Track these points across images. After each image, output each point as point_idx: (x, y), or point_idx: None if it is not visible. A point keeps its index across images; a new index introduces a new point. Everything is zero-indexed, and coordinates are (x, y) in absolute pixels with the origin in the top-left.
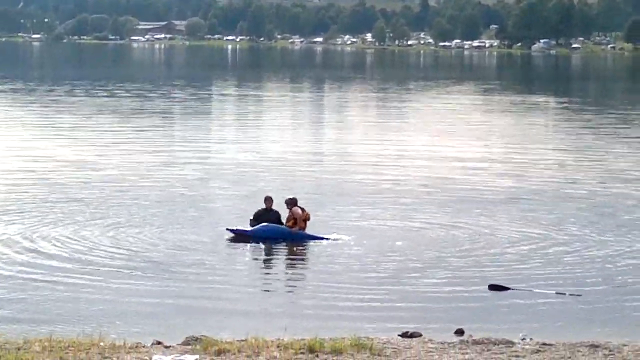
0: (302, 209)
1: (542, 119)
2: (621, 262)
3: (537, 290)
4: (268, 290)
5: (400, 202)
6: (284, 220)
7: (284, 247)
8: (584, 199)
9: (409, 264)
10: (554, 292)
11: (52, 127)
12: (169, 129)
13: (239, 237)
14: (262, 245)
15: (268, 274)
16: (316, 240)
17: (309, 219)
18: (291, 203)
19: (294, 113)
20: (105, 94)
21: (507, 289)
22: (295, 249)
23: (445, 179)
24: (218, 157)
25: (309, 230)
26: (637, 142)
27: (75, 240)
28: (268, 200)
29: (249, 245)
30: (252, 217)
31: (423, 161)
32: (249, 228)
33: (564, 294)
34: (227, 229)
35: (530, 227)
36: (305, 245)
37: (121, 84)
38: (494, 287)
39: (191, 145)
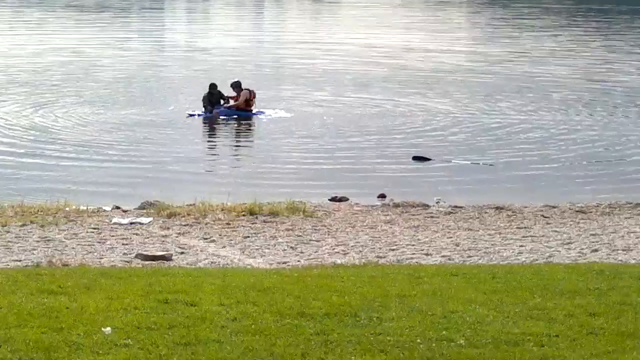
0: (250, 90)
1: (458, 14)
2: (531, 135)
3: (455, 161)
4: (214, 161)
5: (331, 84)
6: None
7: (235, 124)
8: (500, 78)
9: (339, 138)
10: (470, 162)
11: (22, 20)
12: (127, 20)
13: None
14: (214, 123)
15: (215, 147)
16: (259, 116)
17: (255, 98)
18: (237, 86)
19: (238, 5)
20: None
21: (428, 159)
22: (241, 125)
23: (371, 64)
24: (172, 46)
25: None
26: (543, 30)
27: (41, 118)
28: (213, 86)
29: (203, 123)
30: (202, 102)
31: (350, 48)
32: (205, 112)
33: (478, 163)
34: (189, 114)
35: (450, 105)
36: (249, 122)
37: None
38: (417, 158)
39: (147, 36)
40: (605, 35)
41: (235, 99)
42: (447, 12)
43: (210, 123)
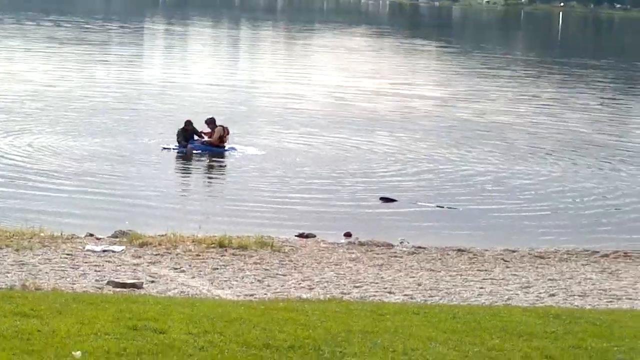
0: (224, 127)
1: (425, 60)
2: (494, 181)
3: (421, 203)
4: (186, 194)
5: (302, 124)
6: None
7: (205, 160)
8: (466, 124)
9: (308, 176)
10: (435, 205)
11: (4, 52)
12: (107, 56)
13: (172, 152)
14: (187, 159)
15: (187, 180)
16: (231, 152)
17: (228, 134)
18: (212, 122)
19: (215, 46)
20: (50, 25)
21: (394, 200)
22: (213, 160)
23: (342, 106)
24: (149, 81)
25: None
26: (500, 78)
27: (19, 147)
28: (188, 123)
29: (176, 157)
30: (177, 137)
31: (321, 91)
32: (179, 146)
33: (443, 207)
34: (163, 148)
35: (419, 149)
36: (222, 157)
37: (61, 17)
38: (384, 200)
39: (126, 71)
40: (569, 86)
41: (210, 135)
42: (416, 58)
43: (184, 157)
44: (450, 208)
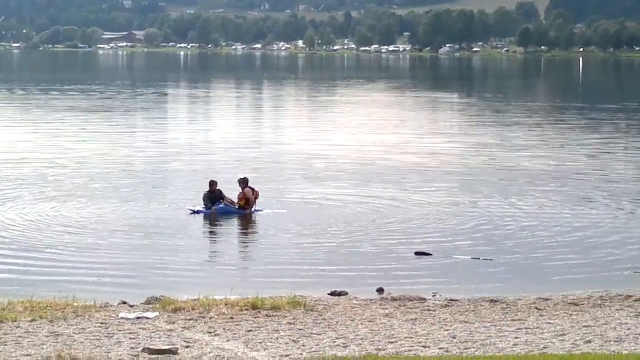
0: (253, 189)
1: (447, 112)
2: (526, 228)
3: (456, 256)
4: (217, 257)
5: (329, 180)
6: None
7: (234, 221)
8: (493, 174)
9: (337, 233)
10: (470, 257)
11: (32, 121)
12: (132, 121)
13: (198, 215)
14: (215, 221)
15: (218, 243)
16: (259, 213)
17: (257, 198)
18: (243, 182)
19: (239, 107)
20: (76, 93)
21: (429, 254)
22: (243, 222)
23: (369, 160)
24: (175, 144)
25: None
26: (524, 126)
27: (52, 215)
28: (213, 183)
29: (203, 220)
30: (203, 200)
31: (347, 146)
32: (205, 209)
33: (478, 258)
34: (189, 209)
35: (447, 200)
36: (251, 218)
37: (89, 85)
38: (419, 254)
39: (151, 135)
40: (593, 131)
41: (246, 201)
42: (439, 110)
43: (211, 220)
44: (486, 260)
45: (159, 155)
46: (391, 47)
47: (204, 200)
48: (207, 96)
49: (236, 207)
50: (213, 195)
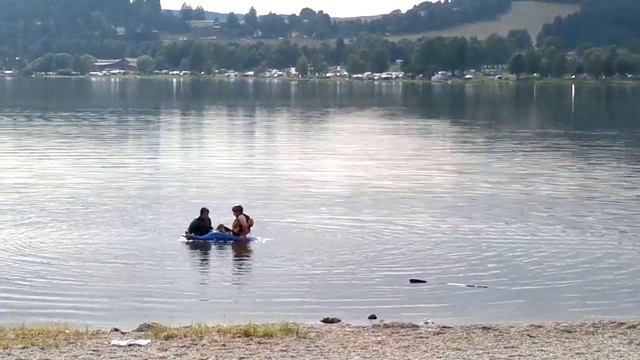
0: (247, 217)
1: (440, 139)
2: (521, 258)
3: (450, 283)
4: (210, 284)
5: (322, 207)
6: (214, 225)
7: (227, 248)
8: (485, 200)
9: (329, 260)
10: (464, 284)
11: (26, 147)
12: (125, 148)
13: (191, 242)
14: (207, 248)
15: (210, 270)
16: (253, 241)
17: (252, 225)
18: (237, 210)
19: (231, 134)
20: (67, 120)
21: (424, 282)
22: (236, 249)
23: (362, 187)
24: (168, 171)
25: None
26: (518, 152)
27: (44, 242)
28: (204, 211)
29: (195, 248)
30: (188, 228)
31: (340, 173)
32: (197, 236)
33: (473, 286)
34: (183, 236)
35: (440, 227)
36: (244, 245)
37: (82, 112)
38: (413, 281)
39: (144, 161)
40: (586, 158)
41: (239, 228)
42: (432, 137)
43: (203, 247)
44: (480, 287)
45: (152, 181)
46: (384, 75)
47: (190, 227)
48: (200, 123)
49: (230, 234)
50: (202, 223)
